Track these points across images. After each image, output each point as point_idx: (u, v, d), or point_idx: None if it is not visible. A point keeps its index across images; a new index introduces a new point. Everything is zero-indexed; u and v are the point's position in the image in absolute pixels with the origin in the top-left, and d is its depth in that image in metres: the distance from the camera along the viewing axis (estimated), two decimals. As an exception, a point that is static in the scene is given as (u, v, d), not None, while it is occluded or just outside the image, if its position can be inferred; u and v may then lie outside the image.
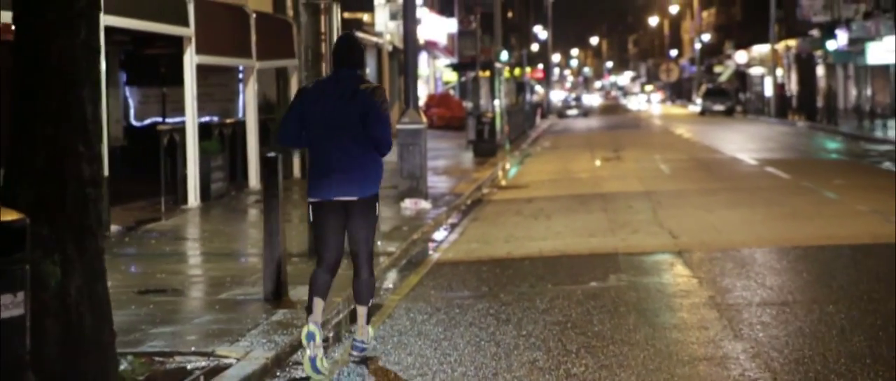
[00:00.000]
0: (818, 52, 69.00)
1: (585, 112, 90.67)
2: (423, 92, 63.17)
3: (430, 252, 14.89)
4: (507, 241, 15.62)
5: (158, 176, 19.75)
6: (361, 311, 8.54)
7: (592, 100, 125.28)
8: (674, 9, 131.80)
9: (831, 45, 58.68)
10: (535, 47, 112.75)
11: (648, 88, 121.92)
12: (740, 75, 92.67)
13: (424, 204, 19.64)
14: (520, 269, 13.02)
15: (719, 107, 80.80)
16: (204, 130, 22.47)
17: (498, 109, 41.85)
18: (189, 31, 19.50)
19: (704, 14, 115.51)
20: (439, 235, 16.89)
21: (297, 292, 11.13)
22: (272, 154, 10.97)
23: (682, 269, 12.67)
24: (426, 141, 21.73)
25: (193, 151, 19.68)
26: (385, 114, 8.30)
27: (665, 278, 12.15)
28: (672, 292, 11.19)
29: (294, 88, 26.53)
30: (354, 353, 8.56)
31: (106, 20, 16.01)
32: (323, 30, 13.77)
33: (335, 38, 13.52)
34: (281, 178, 10.90)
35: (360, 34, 38.31)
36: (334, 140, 8.24)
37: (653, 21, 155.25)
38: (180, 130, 19.96)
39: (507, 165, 32.71)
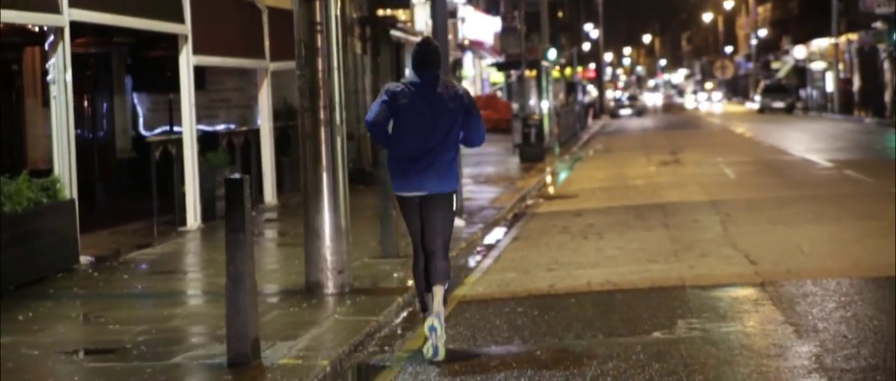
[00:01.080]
0: (882, 45, 65.84)
1: (639, 111, 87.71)
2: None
3: (456, 284, 12.31)
4: (550, 268, 13.00)
5: (167, 192, 17.37)
6: (437, 291, 8.91)
7: (654, 99, 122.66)
8: (728, 4, 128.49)
9: (899, 36, 55.44)
10: (586, 47, 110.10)
11: (708, 85, 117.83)
12: (799, 71, 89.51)
13: (457, 221, 17.02)
14: (563, 310, 10.41)
15: (779, 104, 77.72)
16: (211, 141, 20.02)
17: (546, 111, 39.20)
18: (184, 29, 17.04)
19: (760, 9, 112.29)
20: (471, 260, 14.30)
21: (275, 352, 8.60)
22: (236, 177, 8.44)
23: (771, 309, 9.99)
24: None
25: (193, 165, 17.18)
26: (478, 113, 9.01)
27: (750, 323, 9.47)
28: (762, 349, 8.52)
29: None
30: (429, 333, 8.71)
31: (76, 14, 13.57)
32: (318, 20, 11.29)
33: (332, 30, 11.18)
34: (248, 206, 8.37)
35: (395, 33, 35.82)
36: (419, 138, 8.83)
37: (707, 17, 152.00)
38: (177, 140, 17.49)
39: (556, 171, 30.07)
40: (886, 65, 66.75)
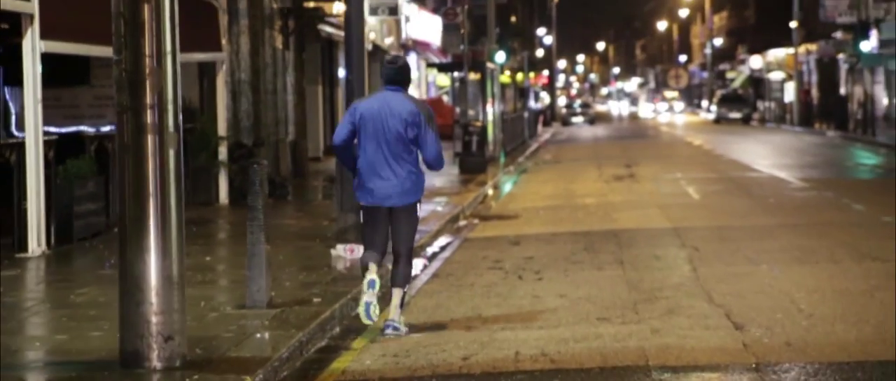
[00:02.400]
0: (842, 56, 63.45)
1: (592, 120, 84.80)
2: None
3: (334, 354, 9.07)
4: (470, 326, 9.80)
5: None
6: (397, 293, 9.58)
7: (620, 107, 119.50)
8: (683, 13, 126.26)
9: (865, 46, 52.80)
10: (540, 53, 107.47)
11: (669, 94, 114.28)
12: (755, 81, 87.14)
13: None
14: (477, 405, 7.22)
15: (736, 114, 75.12)
16: (75, 145, 16.69)
17: (491, 117, 36.05)
18: (29, 7, 13.73)
19: (715, 18, 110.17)
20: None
21: None
22: None
23: (775, 417, 6.84)
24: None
25: (36, 176, 13.83)
26: (433, 133, 9.53)
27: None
28: None
29: (221, 87, 20.75)
30: (389, 332, 9.48)
31: None
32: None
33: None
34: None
35: (325, 28, 32.58)
36: (381, 152, 9.48)
37: (661, 26, 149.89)
38: (18, 145, 14.17)
39: (498, 185, 26.92)
40: (845, 76, 64.35)
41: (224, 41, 21.85)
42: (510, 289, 11.72)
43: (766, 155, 36.07)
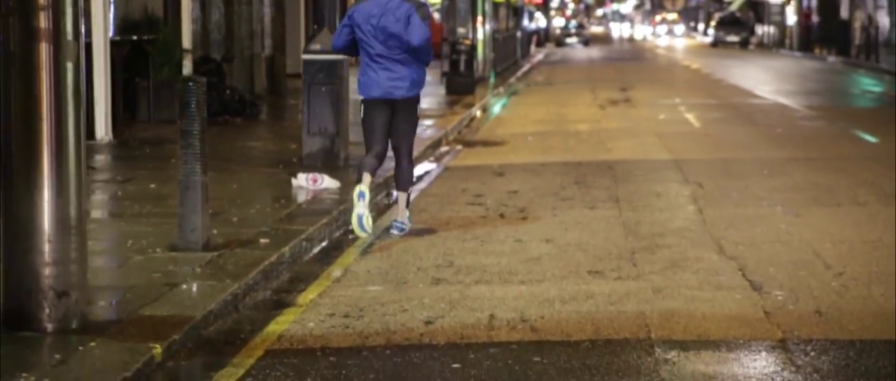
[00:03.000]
0: (844, -21, 61.65)
1: (586, 41, 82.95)
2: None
3: (275, 312, 7.59)
4: (438, 279, 8.32)
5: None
6: (401, 196, 10.08)
7: (622, 29, 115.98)
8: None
9: (871, -32, 50.96)
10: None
11: (670, 16, 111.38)
12: (753, 4, 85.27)
13: (329, 182, 12.28)
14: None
15: (733, 38, 73.36)
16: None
17: (481, 36, 34.36)
18: None
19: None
20: (322, 253, 9.57)
21: None
22: None
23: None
24: (347, 78, 14.42)
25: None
26: (420, 21, 9.75)
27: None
28: None
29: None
30: (395, 232, 9.93)
31: None
32: None
33: None
34: None
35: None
36: (379, 49, 9.86)
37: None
38: None
39: (486, 107, 25.36)
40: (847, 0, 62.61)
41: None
42: (490, 231, 10.23)
43: (768, 80, 34.50)
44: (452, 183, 13.45)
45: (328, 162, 13.97)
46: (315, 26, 14.31)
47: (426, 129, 19.32)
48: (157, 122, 18.46)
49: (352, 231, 9.98)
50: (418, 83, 10.06)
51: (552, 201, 11.83)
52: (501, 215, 11.06)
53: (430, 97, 26.11)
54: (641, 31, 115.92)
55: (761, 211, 11.06)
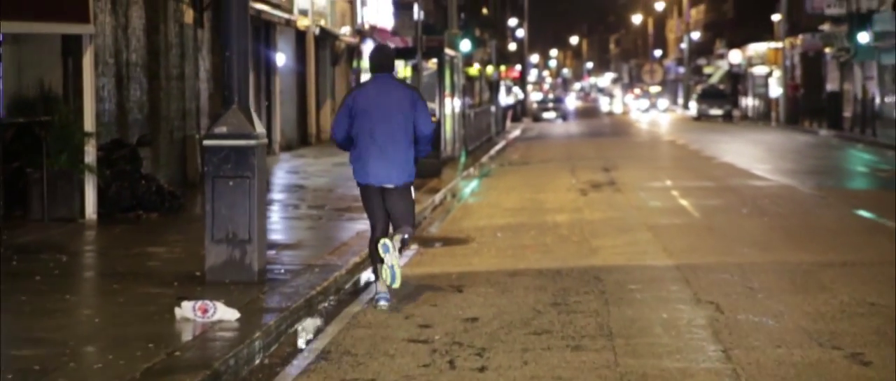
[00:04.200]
0: (830, 50, 59.28)
1: (564, 115, 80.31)
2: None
3: None
4: None
5: None
6: (397, 236, 10.19)
7: (612, 103, 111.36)
8: (659, 6, 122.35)
9: (863, 37, 48.44)
10: (512, 47, 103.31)
11: (654, 89, 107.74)
12: (733, 76, 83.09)
13: (224, 313, 9.15)
14: None
15: (717, 111, 70.73)
16: None
17: (449, 112, 31.42)
18: None
19: (693, 11, 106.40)
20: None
21: None
22: None
23: None
24: (264, 169, 11.37)
25: None
26: (426, 112, 10.25)
27: None
28: None
29: (88, 69, 15.98)
30: (382, 303, 10.13)
31: None
32: None
33: None
34: None
35: (259, 6, 27.98)
36: (379, 136, 10.06)
37: (636, 20, 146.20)
38: None
39: (452, 193, 22.34)
40: (831, 72, 60.12)
41: (101, 13, 17.26)
42: (432, 392, 7.13)
43: (762, 158, 31.60)
44: (396, 303, 10.36)
45: (237, 277, 10.92)
46: (224, 104, 11.29)
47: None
48: (54, 220, 15.38)
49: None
50: (410, 172, 10.26)
51: (522, 337, 8.74)
52: (451, 363, 7.97)
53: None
54: (620, 104, 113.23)
55: (811, 353, 7.98)
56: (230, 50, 11.24)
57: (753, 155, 32.73)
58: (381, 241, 10.02)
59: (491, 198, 21.29)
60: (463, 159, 31.45)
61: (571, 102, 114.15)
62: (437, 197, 20.82)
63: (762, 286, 10.74)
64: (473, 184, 24.76)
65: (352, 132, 10.18)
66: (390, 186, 10.15)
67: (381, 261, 10.05)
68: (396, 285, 10.03)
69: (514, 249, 14.11)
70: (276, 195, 20.56)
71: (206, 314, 9.03)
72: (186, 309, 9.11)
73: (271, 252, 12.88)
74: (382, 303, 10.09)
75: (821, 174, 25.39)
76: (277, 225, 16.13)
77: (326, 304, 10.69)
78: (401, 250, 10.20)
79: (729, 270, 11.79)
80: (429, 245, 14.87)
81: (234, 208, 11.05)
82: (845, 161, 30.86)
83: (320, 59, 39.84)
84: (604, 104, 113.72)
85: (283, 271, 11.80)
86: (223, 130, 11.12)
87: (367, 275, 12.48)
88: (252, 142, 11.08)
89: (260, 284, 10.95)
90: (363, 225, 15.88)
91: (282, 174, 26.00)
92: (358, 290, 11.58)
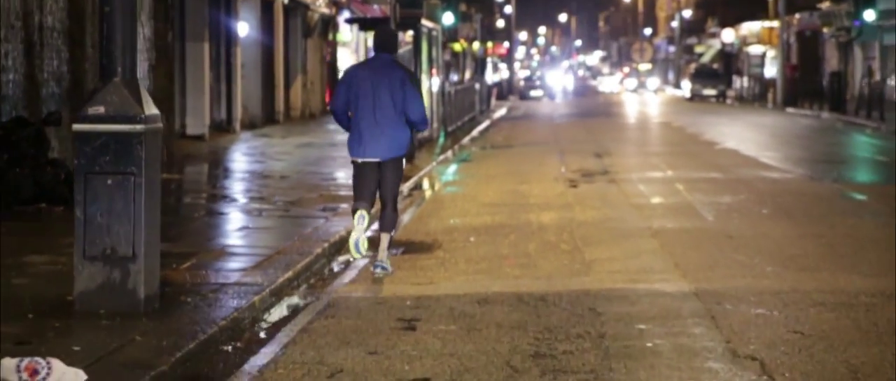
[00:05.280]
0: (828, 29, 56.75)
1: (552, 94, 77.56)
2: (347, 64, 50.13)
3: None
4: None
5: None
6: (384, 237, 10.62)
7: (610, 83, 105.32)
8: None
9: (869, 15, 45.72)
10: (500, 24, 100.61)
11: (643, 67, 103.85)
12: (726, 56, 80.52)
13: (62, 376, 6.39)
14: None
15: (710, 91, 68.23)
16: None
17: (427, 89, 28.59)
18: None
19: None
20: None
21: None
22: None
23: None
24: (157, 162, 8.62)
25: None
26: (417, 94, 10.54)
27: None
28: None
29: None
30: (377, 271, 10.53)
31: None
32: None
33: None
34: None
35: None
36: (374, 113, 10.41)
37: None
38: None
39: (425, 182, 19.61)
40: (828, 52, 57.57)
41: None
42: None
43: (768, 143, 28.91)
44: (320, 348, 7.64)
45: (116, 305, 8.21)
46: (102, 78, 8.53)
47: (330, 221, 13.56)
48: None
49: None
50: (405, 145, 10.59)
51: (491, 418, 6.02)
52: None
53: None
54: (609, 83, 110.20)
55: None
56: (109, 3, 8.43)
57: (757, 140, 30.04)
58: (360, 212, 10.42)
59: (468, 189, 18.55)
60: (442, 140, 28.73)
61: (559, 79, 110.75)
62: (406, 187, 18.06)
63: (815, 330, 8.01)
64: (450, 171, 22.02)
65: (350, 108, 10.56)
66: (378, 159, 10.50)
67: (355, 213, 10.48)
68: (359, 256, 10.54)
69: (490, 260, 11.37)
70: (218, 183, 17.85)
71: (34, 379, 6.29)
72: (8, 370, 6.35)
73: (187, 264, 10.19)
74: (378, 271, 10.53)
75: (838, 164, 22.71)
76: (202, 225, 13.39)
77: (230, 347, 7.95)
78: (390, 244, 10.74)
79: (765, 300, 9.06)
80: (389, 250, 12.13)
81: (114, 214, 8.32)
82: (859, 148, 28.19)
83: (290, 30, 37.03)
84: (604, 85, 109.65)
85: (188, 291, 9.06)
86: (99, 110, 8.37)
87: (297, 297, 9.76)
88: (138, 127, 8.34)
89: (146, 315, 8.23)
90: (314, 224, 13.14)
91: (235, 157, 23.24)
92: (281, 320, 8.85)
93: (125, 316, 8.14)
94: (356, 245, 10.38)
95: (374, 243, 10.96)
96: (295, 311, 9.15)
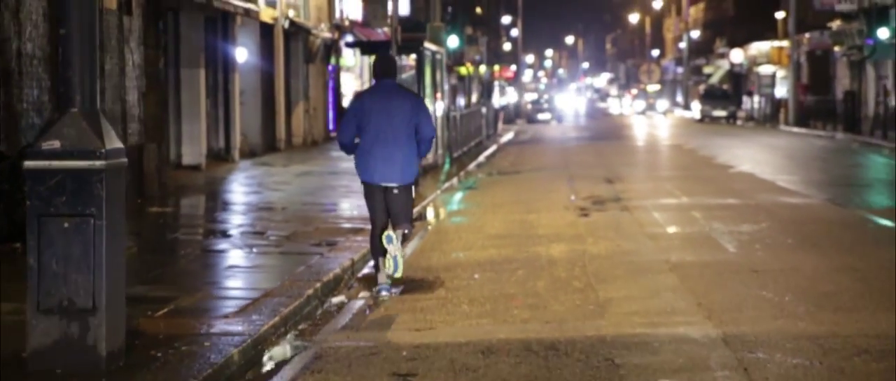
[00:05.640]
0: (839, 48, 55.83)
1: (560, 117, 76.72)
2: (350, 89, 49.31)
3: None
4: None
5: None
6: (397, 233, 10.84)
7: (623, 105, 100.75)
8: (657, 4, 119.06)
9: (882, 33, 44.85)
10: (507, 47, 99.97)
11: (651, 87, 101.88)
12: (734, 76, 79.66)
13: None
14: None
15: (721, 112, 67.29)
16: None
17: (431, 115, 27.68)
18: None
19: (692, 10, 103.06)
20: None
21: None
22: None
23: None
24: (121, 202, 7.73)
25: None
26: (429, 115, 11.01)
27: None
28: None
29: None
30: (383, 294, 10.83)
31: None
32: None
33: None
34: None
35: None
36: (385, 139, 10.66)
37: (633, 19, 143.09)
38: None
39: (429, 213, 18.68)
40: (840, 71, 56.63)
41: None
42: None
43: (784, 166, 27.98)
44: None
45: (73, 364, 7.31)
46: (56, 110, 7.64)
47: (326, 257, 12.69)
48: None
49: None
50: (412, 172, 10.85)
51: None
52: None
53: (351, 197, 19.48)
54: (616, 104, 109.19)
55: None
56: (66, 25, 7.54)
57: (773, 163, 29.11)
58: (385, 233, 10.68)
59: (473, 219, 17.63)
60: (447, 167, 27.84)
61: (571, 102, 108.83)
62: (408, 218, 17.15)
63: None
64: (455, 199, 21.11)
65: (358, 135, 10.77)
66: (393, 185, 10.75)
67: (384, 253, 10.75)
68: (399, 274, 10.74)
69: (495, 300, 10.44)
70: (210, 216, 16.95)
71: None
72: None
73: (164, 311, 9.29)
74: (383, 293, 10.73)
75: (860, 188, 21.79)
76: (186, 264, 12.48)
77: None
78: (403, 244, 11.05)
79: (802, 347, 8.13)
80: (374, 306, 11.24)
81: (71, 262, 7.43)
82: (878, 170, 27.23)
83: (292, 55, 36.18)
84: (613, 107, 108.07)
85: (160, 343, 8.15)
86: (54, 145, 7.48)
87: (283, 348, 8.85)
88: (98, 163, 7.45)
89: (108, 375, 7.34)
90: (308, 261, 12.22)
91: (231, 187, 22.35)
92: (263, 376, 7.94)
93: (84, 376, 7.25)
94: (395, 266, 10.76)
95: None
96: (279, 364, 8.25)
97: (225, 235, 14.79)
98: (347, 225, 15.75)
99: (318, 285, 11.04)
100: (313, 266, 12.03)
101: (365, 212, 18.39)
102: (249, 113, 31.22)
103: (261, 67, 31.94)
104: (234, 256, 12.91)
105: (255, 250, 13.35)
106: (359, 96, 11.12)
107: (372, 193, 10.89)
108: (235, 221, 16.45)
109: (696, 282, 11.03)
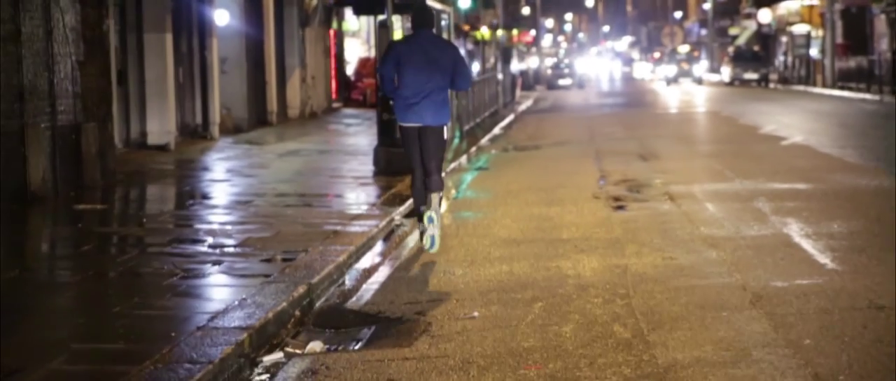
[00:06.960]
0: (876, 5, 52.33)
1: (581, 83, 73.07)
2: (355, 55, 45.79)
3: None
4: None
5: None
6: (434, 196, 11.23)
7: (666, 70, 79.42)
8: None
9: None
10: (526, 11, 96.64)
11: (682, 49, 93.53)
12: (762, 37, 76.01)
13: None
14: None
15: (752, 75, 63.74)
16: None
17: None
18: None
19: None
20: None
21: None
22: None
23: None
24: None
25: None
26: (463, 62, 11.41)
27: None
28: None
29: None
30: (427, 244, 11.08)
31: None
32: None
33: None
34: None
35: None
36: (417, 83, 11.10)
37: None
38: None
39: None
40: (877, 29, 53.10)
41: None
42: None
43: (840, 136, 24.38)
44: None
45: None
46: None
47: (274, 284, 9.20)
48: None
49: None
50: (445, 114, 11.28)
51: None
52: None
53: (344, 184, 15.97)
54: (642, 68, 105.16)
55: None
56: None
57: (826, 132, 25.49)
58: (426, 214, 10.99)
59: (480, 214, 14.07)
60: (456, 142, 24.33)
61: (603, 66, 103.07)
62: (398, 214, 13.64)
63: None
64: (461, 185, 17.56)
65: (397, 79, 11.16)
66: (431, 125, 11.18)
67: (425, 201, 11.21)
68: (434, 249, 10.92)
69: (500, 364, 6.92)
70: (145, 218, 13.46)
71: None
72: None
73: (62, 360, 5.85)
74: (432, 249, 11.02)
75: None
76: (67, 303, 8.94)
77: None
78: (440, 201, 11.39)
79: None
80: (349, 333, 7.80)
81: None
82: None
83: (285, 19, 32.63)
84: (637, 71, 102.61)
85: None
86: None
87: None
88: None
89: None
90: (249, 289, 8.58)
91: (194, 173, 18.85)
92: None
93: None
94: (432, 243, 10.97)
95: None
96: None
97: (147, 247, 11.29)
98: (323, 225, 12.25)
99: (245, 336, 7.56)
100: (249, 299, 8.53)
101: (352, 203, 14.90)
102: (233, 84, 27.74)
103: (246, 32, 28.41)
104: (146, 283, 9.40)
105: (181, 270, 9.84)
106: (396, 43, 11.54)
107: (408, 136, 11.29)
108: (173, 225, 12.94)
109: (799, 330, 7.46)
